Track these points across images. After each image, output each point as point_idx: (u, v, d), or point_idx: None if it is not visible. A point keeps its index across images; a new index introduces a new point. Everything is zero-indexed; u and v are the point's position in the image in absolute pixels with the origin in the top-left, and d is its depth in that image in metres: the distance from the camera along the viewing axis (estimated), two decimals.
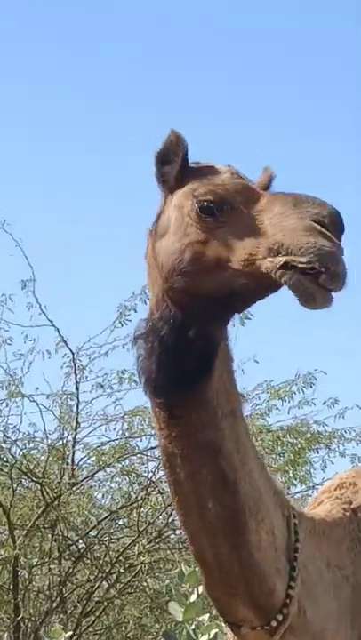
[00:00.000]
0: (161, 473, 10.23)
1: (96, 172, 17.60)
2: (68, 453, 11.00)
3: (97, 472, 11.22)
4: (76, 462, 11.21)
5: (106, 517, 11.20)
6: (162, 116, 13.50)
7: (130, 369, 10.35)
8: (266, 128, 17.14)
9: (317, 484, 10.73)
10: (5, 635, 10.99)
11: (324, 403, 10.97)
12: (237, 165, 3.40)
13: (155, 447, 10.30)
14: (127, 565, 10.97)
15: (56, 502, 10.55)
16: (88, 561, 11.18)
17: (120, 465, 11.07)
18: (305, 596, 3.44)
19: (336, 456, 11.18)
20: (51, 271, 13.50)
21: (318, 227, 3.09)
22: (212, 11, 17.97)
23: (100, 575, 11.09)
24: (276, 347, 14.13)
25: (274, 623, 3.39)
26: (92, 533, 11.13)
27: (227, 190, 3.27)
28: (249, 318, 7.22)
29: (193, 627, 4.77)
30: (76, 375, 10.80)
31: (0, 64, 18.16)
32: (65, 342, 10.70)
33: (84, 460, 11.34)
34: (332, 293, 3.09)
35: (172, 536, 11.24)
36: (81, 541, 11.14)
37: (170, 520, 10.79)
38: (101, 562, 11.13)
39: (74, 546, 11.18)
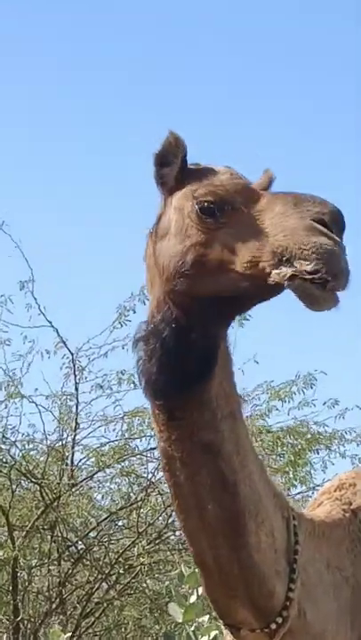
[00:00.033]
0: (160, 474, 10.21)
1: (96, 171, 17.62)
2: (67, 454, 10.99)
3: (96, 473, 11.21)
4: (76, 463, 11.20)
5: (105, 518, 11.18)
6: (162, 116, 13.51)
7: (129, 370, 10.37)
8: (266, 128, 17.16)
9: (318, 485, 10.71)
10: (5, 636, 10.97)
11: (325, 403, 10.98)
12: (237, 166, 3.39)
13: (154, 448, 10.29)
14: (127, 566, 10.96)
15: (55, 503, 10.52)
16: (87, 562, 11.16)
17: (120, 466, 11.06)
18: (305, 597, 3.43)
19: (336, 457, 11.19)
20: (50, 271, 13.50)
21: (319, 226, 3.08)
22: (212, 11, 17.99)
23: (99, 576, 11.07)
24: (276, 347, 14.12)
25: (273, 626, 3.37)
26: (91, 534, 11.11)
27: (227, 191, 3.26)
28: (247, 319, 7.20)
29: (193, 628, 4.77)
30: (75, 376, 10.78)
31: (0, 64, 18.17)
32: (64, 343, 10.68)
33: (83, 461, 11.34)
34: (337, 292, 3.09)
35: (172, 537, 11.22)
36: (80, 542, 11.12)
37: (169, 521, 10.76)
38: (101, 563, 11.12)
39: (73, 547, 11.16)
